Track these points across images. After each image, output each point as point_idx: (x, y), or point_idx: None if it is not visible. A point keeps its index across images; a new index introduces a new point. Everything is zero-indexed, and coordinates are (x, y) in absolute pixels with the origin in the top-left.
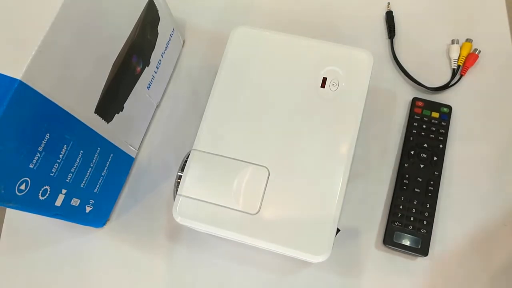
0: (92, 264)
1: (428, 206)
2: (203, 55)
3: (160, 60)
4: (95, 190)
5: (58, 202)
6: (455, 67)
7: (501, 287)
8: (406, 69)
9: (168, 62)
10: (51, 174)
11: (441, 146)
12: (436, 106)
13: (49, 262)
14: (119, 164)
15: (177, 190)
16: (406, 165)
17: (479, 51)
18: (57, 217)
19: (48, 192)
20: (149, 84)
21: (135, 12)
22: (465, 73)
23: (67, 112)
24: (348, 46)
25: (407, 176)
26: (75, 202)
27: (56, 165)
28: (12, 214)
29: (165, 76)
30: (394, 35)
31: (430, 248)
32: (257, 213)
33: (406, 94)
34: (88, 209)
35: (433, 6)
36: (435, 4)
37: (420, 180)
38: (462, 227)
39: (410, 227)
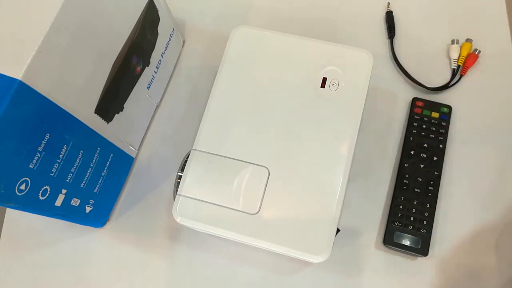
0: (92, 264)
1: (428, 206)
2: (203, 55)
3: (160, 60)
4: (95, 190)
5: (58, 202)
6: (455, 67)
7: (501, 287)
8: (406, 69)
9: (168, 62)
10: (51, 174)
11: (441, 146)
12: (436, 106)
13: (49, 262)
14: (119, 164)
15: (177, 190)
16: (406, 165)
17: (479, 51)
18: (57, 217)
19: (48, 192)
20: (149, 84)
21: (135, 12)
22: (465, 73)
23: (67, 112)
24: (348, 46)
25: (407, 176)
26: (75, 202)
27: (56, 165)
28: (12, 214)
29: (165, 76)
30: (394, 35)
31: (430, 248)
32: (257, 213)
33: (406, 94)
34: (88, 209)
35: (433, 6)
36: (435, 4)
37: (420, 180)
38: (462, 227)
39: (410, 227)
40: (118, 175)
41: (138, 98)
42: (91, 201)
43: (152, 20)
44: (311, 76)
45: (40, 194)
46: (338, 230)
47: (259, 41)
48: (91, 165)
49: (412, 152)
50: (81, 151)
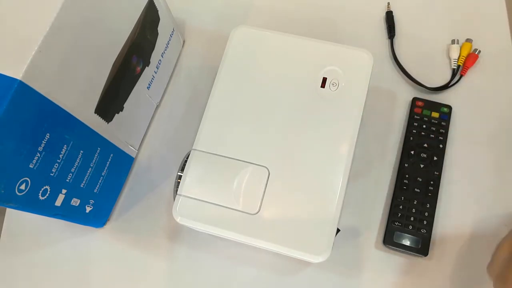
0: (92, 264)
1: (428, 206)
2: (203, 55)
3: (160, 60)
4: (95, 190)
5: (58, 202)
6: (455, 67)
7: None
8: (406, 69)
9: (168, 62)
10: (51, 174)
11: (441, 146)
12: (436, 106)
13: (49, 262)
14: (119, 164)
15: (177, 190)
16: (406, 165)
17: (479, 51)
18: (57, 217)
19: (48, 192)
20: (149, 84)
21: (135, 12)
22: (465, 73)
23: (67, 112)
24: (348, 46)
25: (407, 176)
26: (75, 202)
27: (56, 165)
28: (12, 214)
29: (165, 76)
30: (394, 35)
31: (430, 248)
32: (257, 213)
33: (406, 94)
34: (88, 209)
35: (433, 6)
36: (435, 4)
37: (420, 180)
38: (462, 227)
39: (410, 227)
40: (118, 175)
41: (138, 98)
42: (91, 201)
43: (152, 20)
44: (311, 76)
45: (40, 194)
46: (338, 230)
47: (259, 41)
48: (91, 165)
49: (412, 152)
50: (81, 151)
